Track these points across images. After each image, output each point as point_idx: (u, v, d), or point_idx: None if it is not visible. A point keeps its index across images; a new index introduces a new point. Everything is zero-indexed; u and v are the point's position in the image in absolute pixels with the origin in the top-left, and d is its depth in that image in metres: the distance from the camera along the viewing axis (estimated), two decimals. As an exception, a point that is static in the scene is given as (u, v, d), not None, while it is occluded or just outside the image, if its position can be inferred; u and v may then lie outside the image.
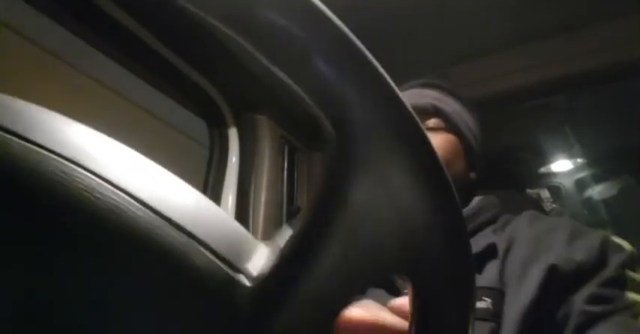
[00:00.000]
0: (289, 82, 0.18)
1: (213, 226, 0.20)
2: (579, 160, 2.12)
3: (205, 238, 0.18)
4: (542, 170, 2.22)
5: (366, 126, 0.18)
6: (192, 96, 1.09)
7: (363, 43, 0.19)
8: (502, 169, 1.89)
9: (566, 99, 1.51)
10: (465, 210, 0.69)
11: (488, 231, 0.67)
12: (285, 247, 0.19)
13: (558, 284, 0.53)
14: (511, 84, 1.07)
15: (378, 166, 0.18)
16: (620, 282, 0.53)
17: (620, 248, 0.57)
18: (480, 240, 0.63)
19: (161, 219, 0.18)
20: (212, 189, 1.10)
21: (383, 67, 0.19)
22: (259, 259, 0.21)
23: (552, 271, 0.53)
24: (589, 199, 2.15)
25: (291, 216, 1.14)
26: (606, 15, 0.96)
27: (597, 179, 2.11)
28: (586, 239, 0.58)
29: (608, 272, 0.53)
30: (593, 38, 0.98)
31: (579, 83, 1.05)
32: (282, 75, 0.18)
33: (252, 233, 1.03)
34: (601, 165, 2.07)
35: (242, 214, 1.06)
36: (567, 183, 2.18)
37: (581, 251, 0.55)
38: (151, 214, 0.17)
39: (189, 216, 0.19)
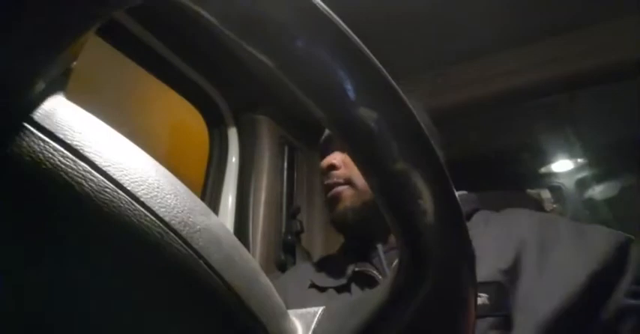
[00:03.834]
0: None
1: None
2: (580, 160, 2.12)
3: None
4: (543, 170, 2.21)
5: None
6: (193, 96, 1.09)
7: (362, 43, 0.19)
8: (502, 169, 1.89)
9: (566, 99, 1.51)
10: None
11: None
12: None
13: (596, 286, 0.55)
14: (511, 84, 1.07)
15: None
16: None
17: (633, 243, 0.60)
18: None
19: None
20: (212, 189, 1.10)
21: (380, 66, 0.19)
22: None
23: (593, 275, 0.55)
24: (590, 199, 2.15)
25: (291, 217, 1.14)
26: (606, 15, 0.96)
27: (598, 179, 2.11)
28: (604, 238, 0.60)
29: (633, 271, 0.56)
30: (593, 38, 0.98)
31: (579, 83, 1.05)
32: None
33: (252, 233, 1.03)
34: (602, 165, 2.07)
35: (242, 214, 1.06)
36: (568, 183, 2.18)
37: (605, 252, 0.58)
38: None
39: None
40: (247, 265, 0.22)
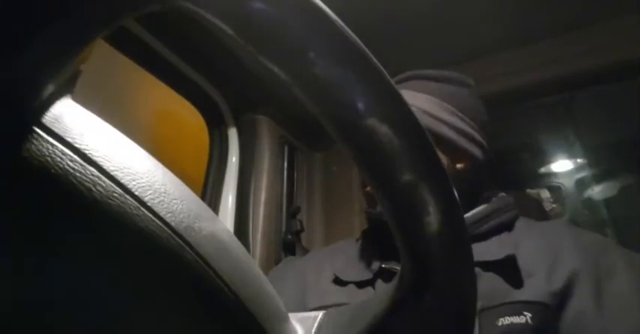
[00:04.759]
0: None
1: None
2: (579, 160, 2.12)
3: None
4: (543, 170, 2.22)
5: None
6: (193, 96, 1.09)
7: (362, 42, 0.19)
8: (502, 169, 1.89)
9: (566, 99, 1.51)
10: (480, 209, 0.69)
11: (504, 237, 0.67)
12: None
13: None
14: (511, 84, 1.07)
15: None
16: None
17: None
18: (493, 246, 0.63)
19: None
20: (212, 189, 1.10)
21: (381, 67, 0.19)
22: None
23: None
24: (589, 199, 2.16)
25: (291, 216, 1.14)
26: (606, 15, 0.96)
27: (597, 179, 2.11)
28: None
29: None
30: (593, 38, 0.98)
31: (579, 83, 1.05)
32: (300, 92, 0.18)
33: (252, 233, 1.03)
34: (601, 165, 2.07)
35: (242, 214, 1.06)
36: (568, 183, 2.18)
37: None
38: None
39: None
40: (251, 270, 0.22)
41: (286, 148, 1.21)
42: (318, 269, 0.75)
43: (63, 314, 0.16)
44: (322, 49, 0.18)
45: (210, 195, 1.09)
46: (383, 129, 0.19)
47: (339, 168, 1.29)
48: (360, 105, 0.18)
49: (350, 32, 0.18)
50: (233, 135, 1.15)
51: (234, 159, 1.13)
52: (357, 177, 1.22)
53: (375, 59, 0.19)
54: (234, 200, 1.09)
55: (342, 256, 0.76)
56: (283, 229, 1.12)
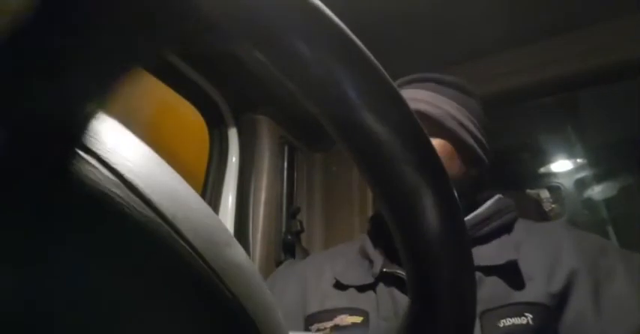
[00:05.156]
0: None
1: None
2: (579, 160, 2.12)
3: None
4: (542, 170, 2.22)
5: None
6: (193, 96, 1.09)
7: (362, 43, 0.19)
8: (502, 169, 1.89)
9: (566, 99, 1.51)
10: (481, 211, 0.69)
11: (504, 239, 0.67)
12: None
13: None
14: (511, 85, 1.07)
15: None
16: None
17: None
18: (494, 250, 0.64)
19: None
20: (212, 189, 1.10)
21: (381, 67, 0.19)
22: None
23: None
24: (589, 199, 2.16)
25: (290, 217, 1.14)
26: (606, 15, 0.96)
27: (597, 179, 2.11)
28: None
29: None
30: (593, 38, 0.98)
31: (579, 83, 1.05)
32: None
33: (252, 233, 1.03)
34: (601, 165, 2.07)
35: (242, 214, 1.06)
36: (567, 183, 2.18)
37: None
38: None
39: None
40: (261, 289, 0.22)
41: (286, 148, 1.21)
42: (318, 272, 0.75)
43: (63, 314, 0.16)
44: (323, 50, 0.18)
45: (210, 194, 1.09)
46: (383, 130, 0.19)
47: (339, 168, 1.29)
48: (361, 106, 0.18)
49: (350, 33, 0.18)
50: (233, 135, 1.15)
51: (234, 159, 1.13)
52: (357, 177, 1.23)
53: (375, 59, 0.19)
54: (234, 200, 1.09)
55: (343, 259, 0.76)
56: (283, 229, 1.12)
